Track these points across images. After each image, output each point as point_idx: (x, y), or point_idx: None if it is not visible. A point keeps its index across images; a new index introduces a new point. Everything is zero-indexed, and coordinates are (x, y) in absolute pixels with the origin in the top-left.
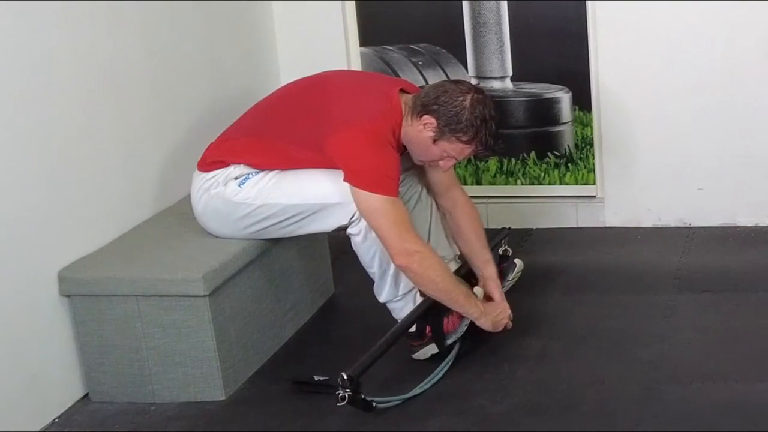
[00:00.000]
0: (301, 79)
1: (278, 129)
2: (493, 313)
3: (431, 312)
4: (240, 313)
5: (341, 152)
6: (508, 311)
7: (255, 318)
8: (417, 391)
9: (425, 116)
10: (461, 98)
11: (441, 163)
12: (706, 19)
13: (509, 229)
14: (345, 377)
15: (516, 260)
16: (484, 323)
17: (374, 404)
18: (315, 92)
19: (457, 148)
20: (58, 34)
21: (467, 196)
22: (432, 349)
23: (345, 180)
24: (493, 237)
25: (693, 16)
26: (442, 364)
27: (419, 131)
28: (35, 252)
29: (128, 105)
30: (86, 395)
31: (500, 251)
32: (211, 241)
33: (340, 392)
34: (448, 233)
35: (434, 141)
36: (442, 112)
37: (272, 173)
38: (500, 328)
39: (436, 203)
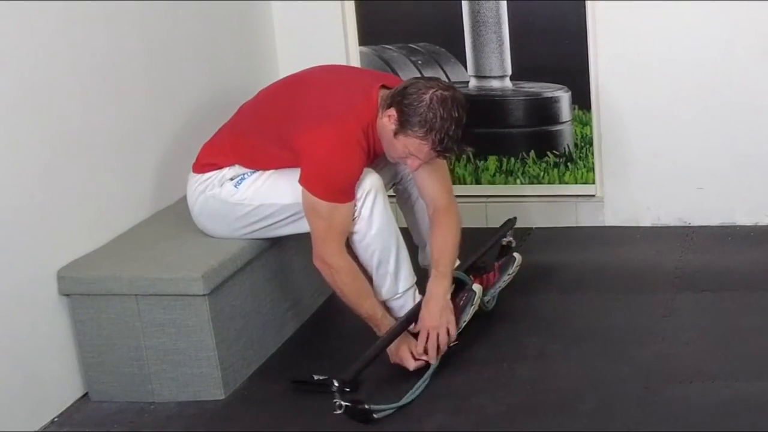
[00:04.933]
0: (287, 76)
1: (257, 127)
2: (402, 350)
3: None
4: (239, 312)
5: (304, 152)
6: (416, 365)
7: (254, 317)
8: (415, 393)
9: (390, 108)
10: (423, 93)
11: (408, 162)
12: (706, 19)
13: (515, 219)
14: (339, 382)
15: (515, 254)
16: (390, 347)
17: (374, 415)
18: (293, 88)
19: (415, 144)
20: (56, 33)
21: (457, 224)
22: None
23: (299, 181)
24: (500, 228)
25: (693, 16)
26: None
27: (384, 124)
28: (34, 251)
29: (127, 104)
30: (85, 394)
31: (504, 242)
32: (210, 240)
33: (337, 401)
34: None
35: (395, 134)
36: (404, 104)
37: (267, 173)
38: (398, 361)
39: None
